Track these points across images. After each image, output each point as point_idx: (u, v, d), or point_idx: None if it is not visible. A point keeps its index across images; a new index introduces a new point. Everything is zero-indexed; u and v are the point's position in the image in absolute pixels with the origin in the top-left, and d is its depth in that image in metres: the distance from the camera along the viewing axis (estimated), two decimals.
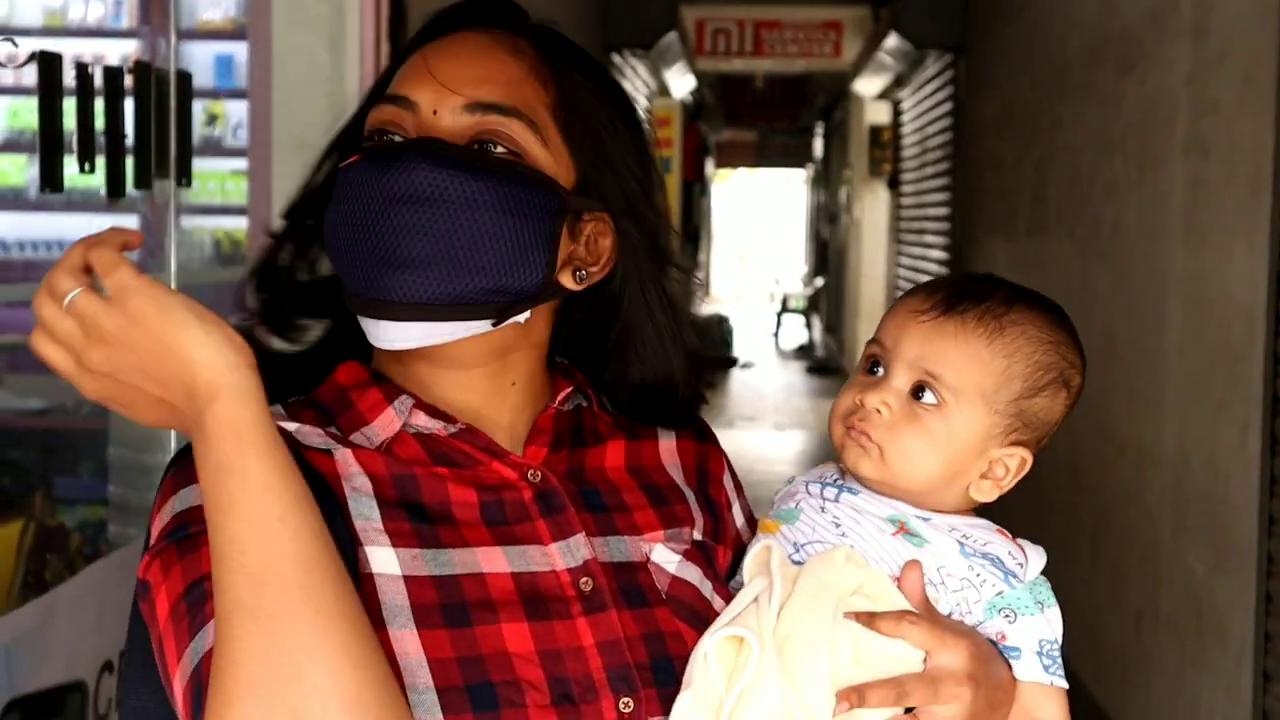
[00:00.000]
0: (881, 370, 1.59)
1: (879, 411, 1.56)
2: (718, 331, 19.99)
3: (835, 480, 1.61)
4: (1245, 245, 4.37)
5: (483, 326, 1.50)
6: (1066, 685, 1.56)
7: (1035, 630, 1.54)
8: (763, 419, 15.12)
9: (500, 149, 1.49)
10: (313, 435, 1.50)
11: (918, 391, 1.56)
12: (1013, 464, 1.60)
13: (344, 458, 1.48)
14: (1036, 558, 1.57)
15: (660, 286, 1.63)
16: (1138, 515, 5.48)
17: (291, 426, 1.49)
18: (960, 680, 1.47)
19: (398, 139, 1.51)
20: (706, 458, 1.73)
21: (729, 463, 1.78)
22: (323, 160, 1.60)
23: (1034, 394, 1.58)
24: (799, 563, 1.53)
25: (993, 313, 1.57)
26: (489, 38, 1.55)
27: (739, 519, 1.72)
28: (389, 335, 1.48)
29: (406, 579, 1.42)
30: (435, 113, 1.49)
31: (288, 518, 1.27)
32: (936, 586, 1.53)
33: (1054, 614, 1.56)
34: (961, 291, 1.59)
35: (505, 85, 1.51)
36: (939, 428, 1.55)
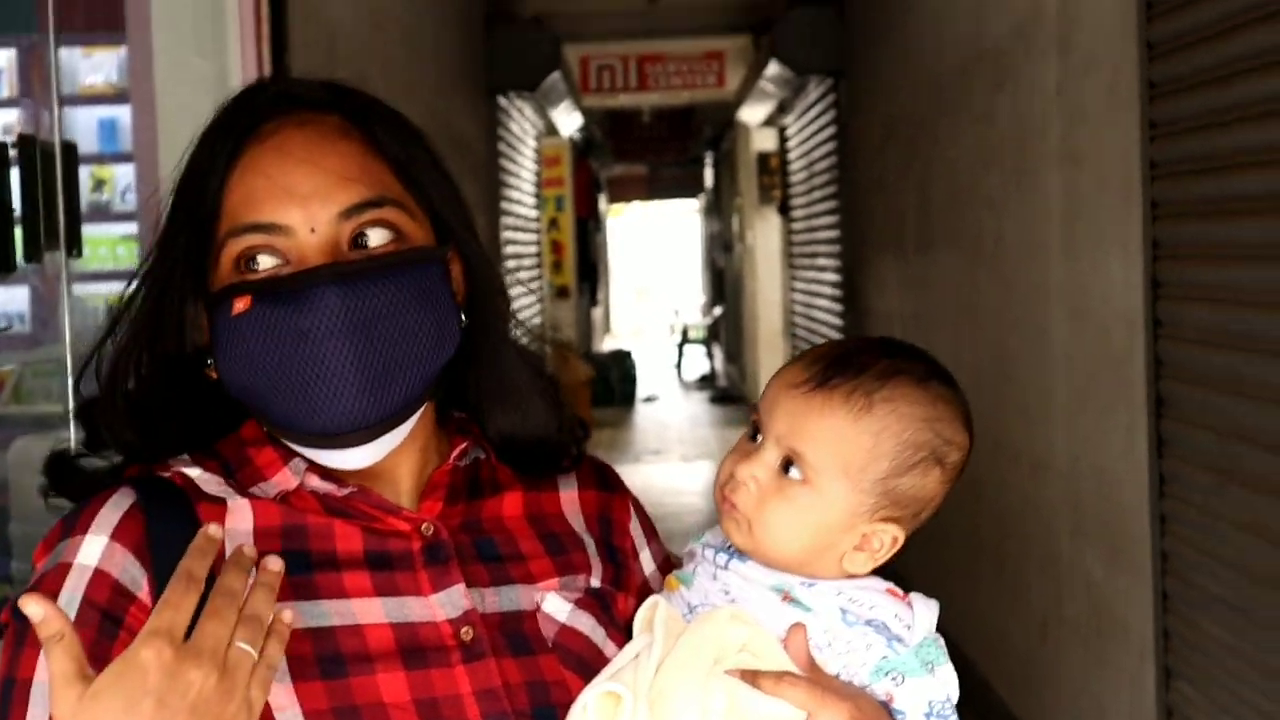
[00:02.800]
0: (760, 438, 1.58)
1: (748, 485, 1.56)
2: (620, 367, 20.00)
3: (728, 546, 1.61)
4: (1120, 252, 4.45)
5: (421, 408, 1.55)
6: None
7: (923, 692, 1.53)
8: (669, 451, 15.14)
9: (383, 237, 1.51)
10: (212, 483, 1.53)
11: (786, 465, 1.56)
12: (885, 539, 1.59)
13: (238, 508, 1.51)
14: (926, 614, 1.56)
15: (502, 314, 1.66)
16: (1035, 524, 5.56)
17: (194, 473, 1.54)
18: None
19: (285, 270, 1.49)
20: (610, 506, 1.75)
21: (637, 508, 1.79)
22: (158, 293, 1.55)
23: (902, 473, 1.57)
24: None
25: (864, 389, 1.55)
26: (310, 129, 1.54)
27: (648, 566, 1.75)
28: (350, 460, 1.51)
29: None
30: (313, 230, 1.48)
31: None
32: (823, 649, 1.53)
33: (945, 672, 1.55)
34: (839, 364, 1.58)
35: (360, 176, 1.52)
36: (804, 503, 1.55)
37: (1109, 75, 4.51)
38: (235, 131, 1.54)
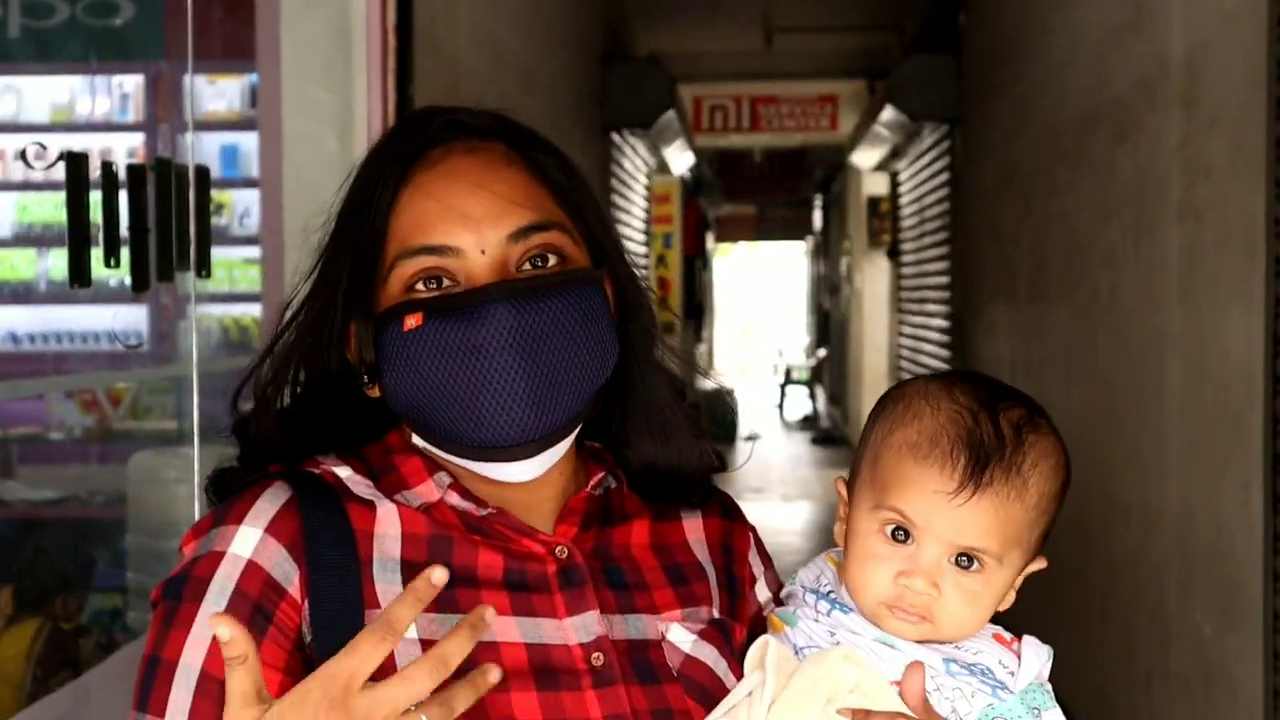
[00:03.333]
0: (911, 541, 1.56)
1: (930, 594, 1.55)
2: (722, 405, 19.99)
3: (829, 593, 1.62)
4: (1241, 307, 4.42)
5: (579, 425, 1.59)
6: None
7: None
8: (769, 490, 15.12)
9: (548, 259, 1.55)
10: (361, 485, 1.57)
11: (959, 560, 1.56)
12: (1027, 573, 1.63)
13: (387, 513, 1.55)
14: (1033, 660, 1.56)
15: (650, 337, 1.69)
16: (1145, 576, 5.52)
17: (344, 472, 1.58)
18: None
19: (455, 289, 1.52)
20: (732, 535, 1.77)
21: (756, 538, 1.81)
22: (319, 312, 1.59)
23: (1054, 516, 1.61)
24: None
25: (1015, 467, 1.56)
26: (478, 155, 1.58)
27: (763, 594, 1.76)
28: (515, 473, 1.55)
29: (422, 642, 1.46)
30: (483, 252, 1.52)
31: None
32: (931, 694, 1.53)
33: (1053, 717, 1.56)
34: (979, 451, 1.55)
35: (527, 201, 1.56)
36: (984, 588, 1.56)
37: (1234, 131, 4.49)
38: (404, 156, 1.57)
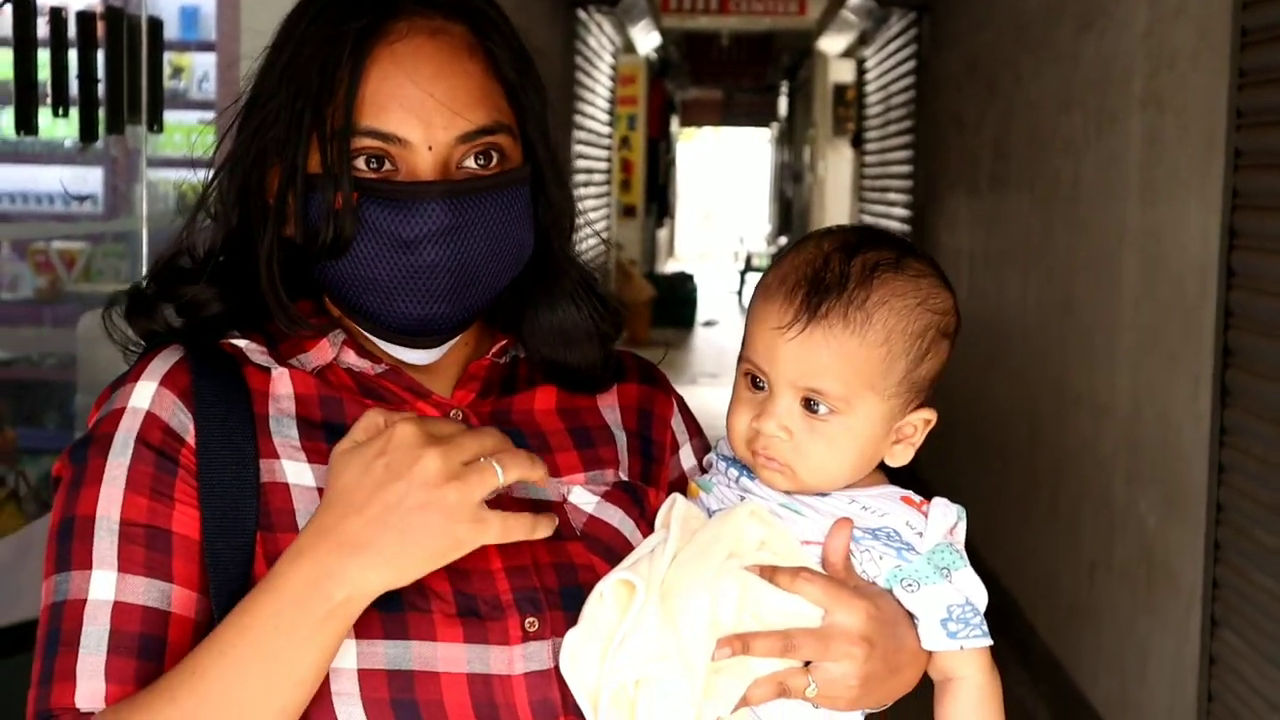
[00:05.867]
0: (765, 386, 1.57)
1: (779, 436, 1.55)
2: (682, 289, 20.02)
3: (736, 459, 1.62)
4: (1199, 200, 4.42)
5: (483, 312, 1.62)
6: (986, 643, 1.54)
7: (940, 598, 1.53)
8: (725, 376, 15.00)
9: (488, 159, 1.56)
10: (257, 353, 1.59)
11: (808, 404, 1.55)
12: (918, 424, 1.60)
13: (279, 376, 1.57)
14: (940, 520, 1.55)
15: (566, 236, 1.70)
16: (1092, 468, 5.55)
17: (241, 343, 1.59)
18: (853, 640, 1.49)
19: (395, 176, 1.52)
20: (652, 400, 1.79)
21: (681, 405, 1.83)
22: (275, 176, 1.57)
23: (920, 361, 1.57)
24: None
25: (855, 303, 1.53)
26: (440, 40, 1.56)
27: (688, 461, 1.77)
28: (421, 356, 1.60)
29: (320, 490, 1.49)
30: (430, 149, 1.52)
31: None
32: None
33: (964, 577, 1.54)
34: (817, 286, 1.55)
35: (481, 100, 1.55)
36: (842, 433, 1.55)
37: (1200, 21, 4.47)
38: (368, 16, 1.54)
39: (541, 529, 1.43)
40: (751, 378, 1.59)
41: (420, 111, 1.52)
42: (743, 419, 1.58)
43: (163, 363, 1.55)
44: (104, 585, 1.45)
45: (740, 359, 1.60)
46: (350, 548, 1.37)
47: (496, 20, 1.62)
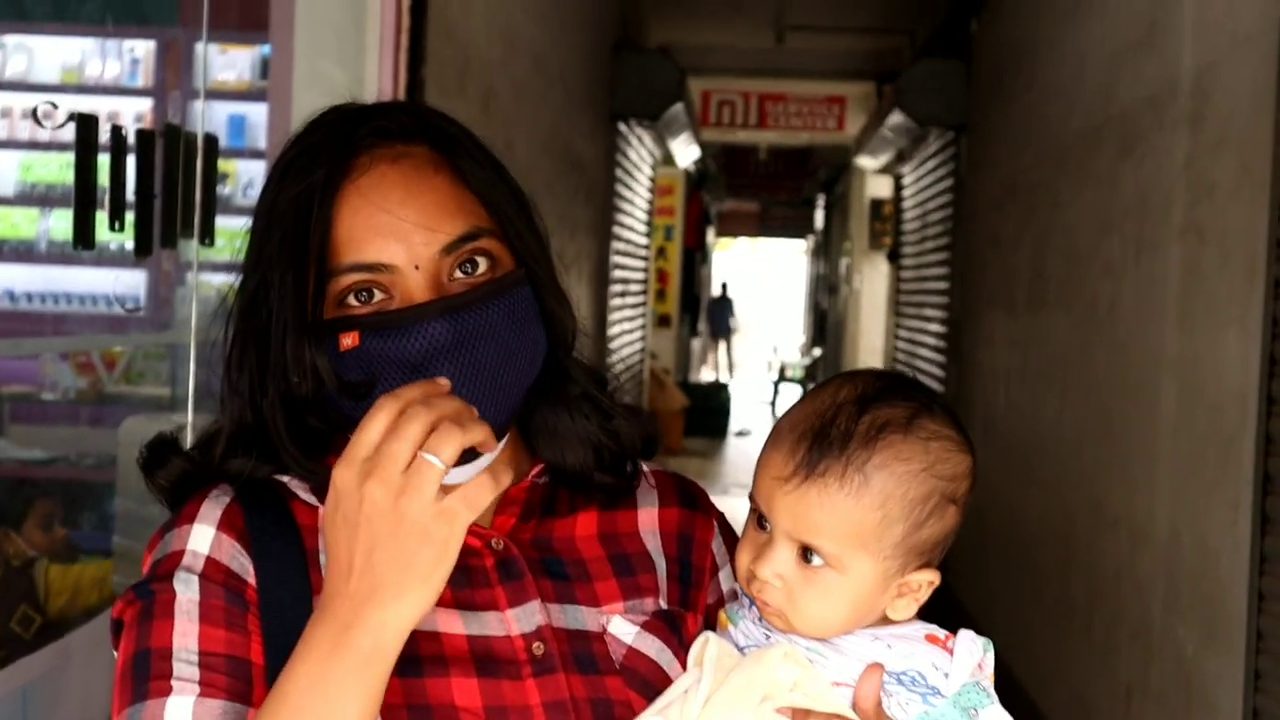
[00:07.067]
0: (769, 529, 1.56)
1: (774, 583, 1.54)
2: (716, 399, 20.01)
3: None
4: (1238, 329, 4.43)
5: (511, 426, 1.61)
6: None
7: None
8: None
9: (479, 267, 1.56)
10: (302, 490, 1.60)
11: (805, 555, 1.54)
12: (922, 583, 1.58)
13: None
14: (966, 657, 1.53)
15: (569, 335, 1.69)
16: (1130, 591, 5.53)
17: (285, 478, 1.60)
18: None
19: (390, 305, 1.53)
20: (693, 524, 1.78)
21: (723, 525, 1.82)
22: (268, 329, 1.58)
23: (919, 527, 1.54)
24: None
25: (854, 464, 1.52)
26: (404, 164, 1.57)
27: (728, 582, 1.76)
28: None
29: None
30: (417, 267, 1.53)
31: None
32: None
33: (990, 714, 1.52)
34: (820, 441, 1.53)
35: (456, 210, 1.56)
36: (834, 586, 1.53)
37: (1240, 152, 4.49)
38: (328, 165, 1.56)
39: (502, 479, 1.40)
40: (758, 516, 1.58)
41: (397, 234, 1.52)
42: (744, 559, 1.58)
43: (215, 505, 1.56)
44: (180, 709, 1.44)
45: (750, 497, 1.60)
46: (360, 599, 1.38)
47: (457, 135, 1.64)
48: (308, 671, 1.38)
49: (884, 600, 1.56)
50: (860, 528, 1.52)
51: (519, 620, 1.57)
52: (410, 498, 1.36)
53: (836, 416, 1.54)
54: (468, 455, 1.41)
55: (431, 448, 1.37)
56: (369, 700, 1.39)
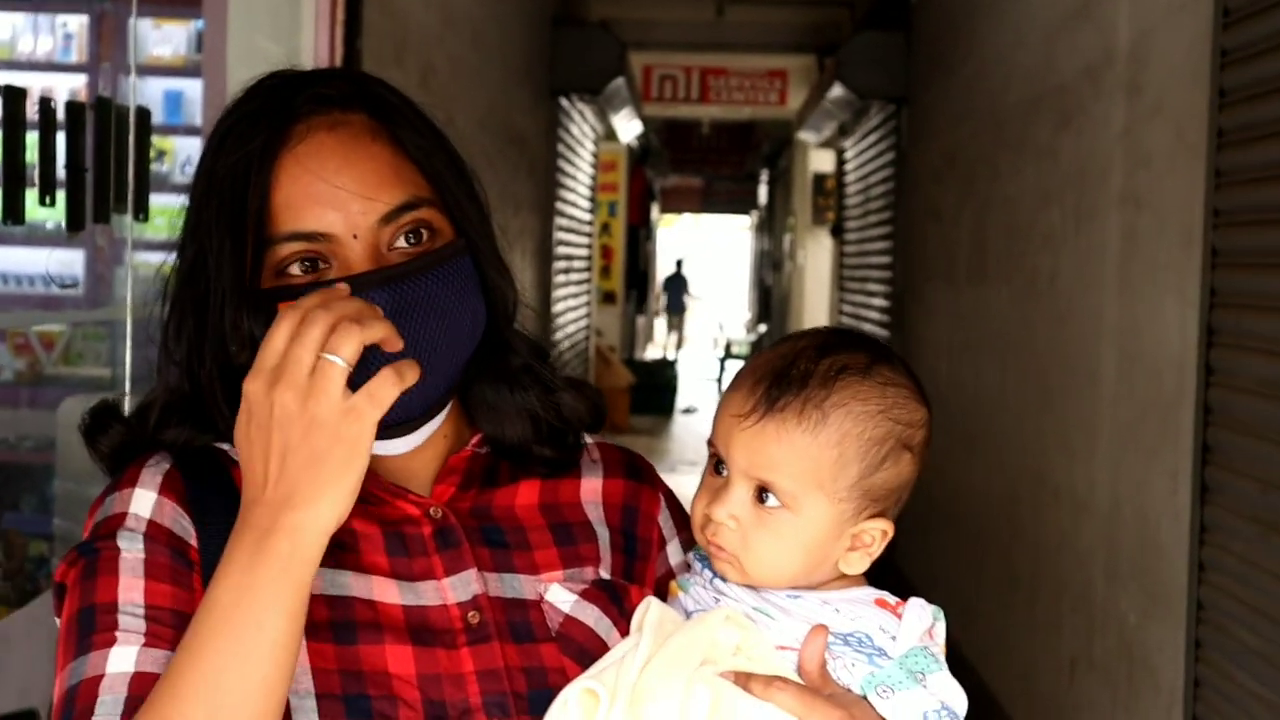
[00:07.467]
0: (725, 473, 1.57)
1: (728, 525, 1.55)
2: (662, 376, 20.02)
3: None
4: (1176, 297, 4.45)
5: (453, 397, 1.62)
6: None
7: (915, 703, 1.50)
8: (704, 463, 15.12)
9: (418, 236, 1.56)
10: None
11: (760, 495, 1.55)
12: (875, 534, 1.58)
13: None
14: (915, 623, 1.53)
15: (509, 306, 1.69)
16: (1072, 562, 5.55)
17: (226, 446, 1.60)
18: None
19: (329, 274, 1.52)
20: (638, 496, 1.78)
21: (670, 499, 1.82)
22: (206, 298, 1.57)
23: (875, 470, 1.55)
24: None
25: (813, 402, 1.53)
26: (341, 131, 1.57)
27: (675, 557, 1.76)
28: (396, 447, 1.59)
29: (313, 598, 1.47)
30: (355, 237, 1.52)
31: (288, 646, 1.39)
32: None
33: (938, 680, 1.51)
34: (780, 380, 1.55)
35: (394, 179, 1.56)
36: (788, 528, 1.54)
37: (1176, 120, 4.51)
38: (266, 132, 1.55)
39: (408, 375, 1.41)
40: (715, 463, 1.59)
41: (334, 203, 1.52)
42: (699, 505, 1.59)
43: (155, 471, 1.55)
44: (123, 659, 1.43)
45: (708, 442, 1.62)
46: (277, 505, 1.38)
47: (397, 103, 1.63)
48: (231, 584, 1.38)
49: (837, 549, 1.57)
50: (817, 465, 1.53)
51: (455, 589, 1.57)
52: (317, 399, 1.37)
53: (797, 359, 1.57)
54: (378, 361, 1.41)
55: (332, 348, 1.37)
56: (292, 608, 1.38)
